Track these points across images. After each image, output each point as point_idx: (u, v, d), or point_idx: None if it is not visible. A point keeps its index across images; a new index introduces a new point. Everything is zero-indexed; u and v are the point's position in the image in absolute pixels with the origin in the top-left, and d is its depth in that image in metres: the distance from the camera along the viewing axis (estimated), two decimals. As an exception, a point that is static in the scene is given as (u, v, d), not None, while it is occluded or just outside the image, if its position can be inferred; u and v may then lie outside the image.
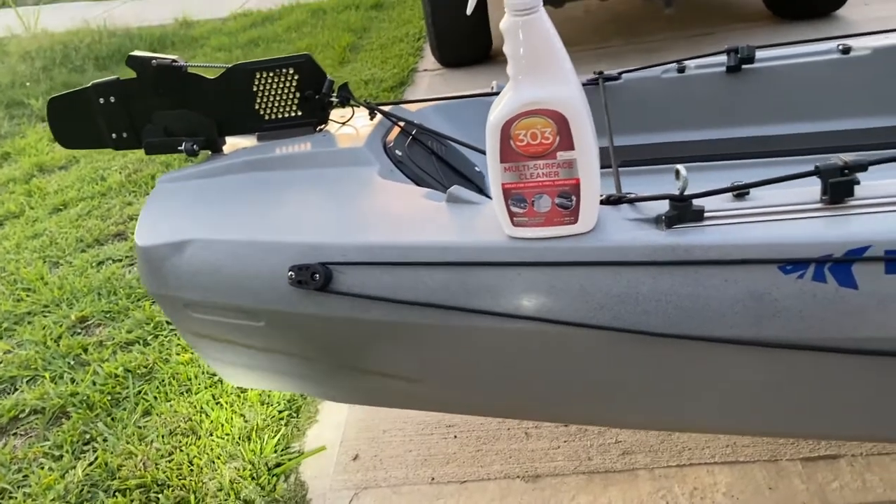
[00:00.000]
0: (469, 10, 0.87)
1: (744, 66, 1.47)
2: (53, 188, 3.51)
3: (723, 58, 1.49)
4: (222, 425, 1.73)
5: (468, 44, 4.24)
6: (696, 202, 0.90)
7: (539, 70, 0.85)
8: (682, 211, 0.90)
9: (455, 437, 1.64)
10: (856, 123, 1.47)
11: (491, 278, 0.95)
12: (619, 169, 1.28)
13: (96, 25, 6.67)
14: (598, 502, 1.43)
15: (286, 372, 1.17)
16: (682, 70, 1.51)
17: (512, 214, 0.93)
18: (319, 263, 1.02)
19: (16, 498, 1.64)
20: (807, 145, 1.44)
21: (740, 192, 0.93)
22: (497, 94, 1.50)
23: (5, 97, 5.34)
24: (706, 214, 0.90)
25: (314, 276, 1.01)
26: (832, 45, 1.47)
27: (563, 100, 0.85)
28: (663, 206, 0.92)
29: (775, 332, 0.86)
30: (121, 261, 2.66)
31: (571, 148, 0.87)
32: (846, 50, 1.45)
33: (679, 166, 0.88)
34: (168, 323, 2.20)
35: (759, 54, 1.46)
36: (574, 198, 0.90)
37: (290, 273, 1.02)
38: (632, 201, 0.96)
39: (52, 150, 4.15)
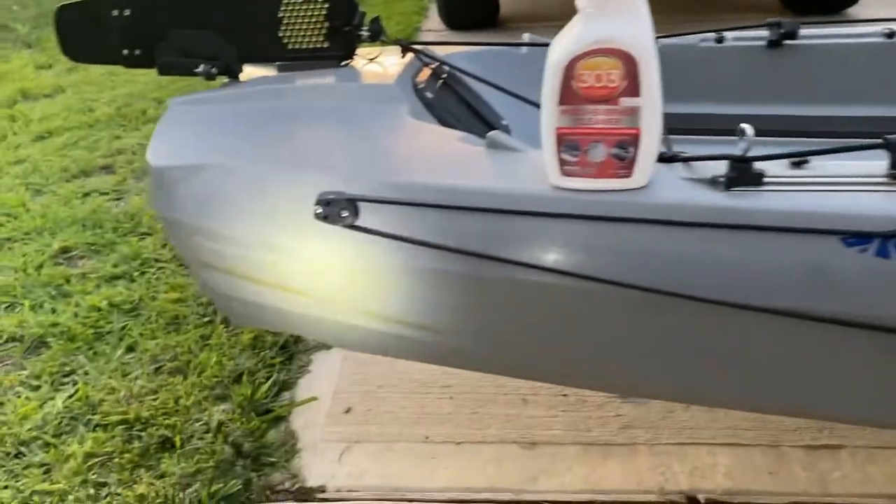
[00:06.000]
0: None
1: (785, 42, 1.42)
2: (38, 116, 3.38)
3: (763, 32, 1.44)
4: (211, 367, 1.67)
5: (477, 7, 4.16)
6: (756, 165, 0.86)
7: (613, 5, 0.79)
8: (743, 173, 0.85)
9: (451, 398, 1.60)
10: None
11: (531, 229, 0.90)
12: None
13: (89, -46, 6.42)
14: (596, 474, 1.40)
15: (296, 312, 1.11)
16: (720, 40, 1.46)
17: (562, 162, 0.88)
18: (347, 199, 0.96)
19: (-10, 425, 1.57)
20: (846, 128, 1.40)
21: (800, 160, 0.88)
22: (527, 44, 1.44)
23: (-10, 19, 5.15)
24: (766, 179, 0.86)
25: (341, 212, 0.95)
26: (877, 28, 1.42)
27: (636, 40, 0.80)
28: (719, 169, 0.88)
29: (830, 306, 0.82)
30: (108, 194, 2.57)
31: (637, 94, 0.82)
32: (891, 34, 1.41)
33: (744, 125, 0.84)
34: (157, 260, 2.12)
35: (802, 31, 1.42)
36: (632, 149, 0.85)
37: (315, 207, 0.96)
38: (686, 160, 0.91)
39: (37, 77, 4.01)
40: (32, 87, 3.79)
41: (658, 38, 1.48)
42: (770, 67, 1.43)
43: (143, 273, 2.07)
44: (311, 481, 1.42)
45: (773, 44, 1.42)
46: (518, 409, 1.56)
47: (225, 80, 1.30)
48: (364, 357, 1.72)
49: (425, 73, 1.28)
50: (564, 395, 1.59)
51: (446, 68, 1.32)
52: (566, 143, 0.86)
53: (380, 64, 1.28)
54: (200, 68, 1.25)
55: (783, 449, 1.43)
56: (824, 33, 1.43)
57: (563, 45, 0.82)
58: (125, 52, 1.30)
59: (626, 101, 0.83)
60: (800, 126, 1.41)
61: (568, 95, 0.84)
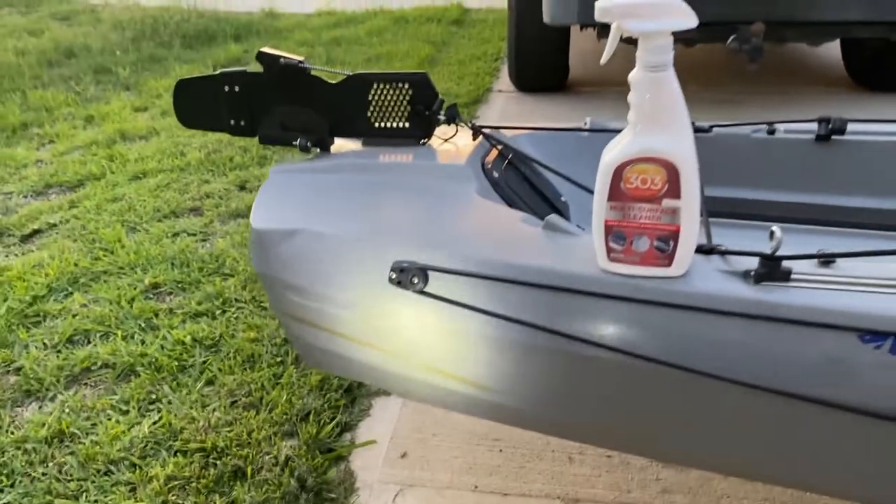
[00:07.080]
0: (603, 61, 0.94)
1: (833, 137, 1.52)
2: (134, 156, 3.67)
3: (813, 125, 1.54)
4: (282, 404, 1.82)
5: (547, 72, 4.33)
6: (784, 263, 0.96)
7: (659, 122, 0.92)
8: (772, 269, 0.96)
9: (500, 450, 1.71)
10: None
11: (581, 306, 1.02)
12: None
13: (186, 5, 6.91)
14: (634, 534, 1.48)
15: (367, 363, 1.25)
16: (771, 132, 1.57)
17: (609, 250, 1.00)
18: (418, 267, 1.10)
19: (84, 443, 1.74)
20: (886, 221, 1.48)
21: (827, 259, 0.98)
22: (588, 129, 1.57)
23: (94, 62, 5.58)
24: (793, 276, 0.96)
25: (413, 279, 1.09)
26: (923, 127, 1.51)
27: (677, 152, 0.92)
28: (752, 262, 0.98)
29: (847, 396, 0.91)
30: (195, 235, 2.78)
31: (677, 197, 0.94)
32: (935, 134, 1.50)
33: (774, 227, 0.94)
34: (237, 300, 2.31)
35: (850, 127, 1.51)
36: (672, 243, 0.97)
37: (390, 273, 1.10)
38: (723, 254, 1.02)
39: (133, 119, 4.33)
40: (130, 128, 4.10)
41: (713, 126, 1.61)
42: (816, 160, 1.53)
43: (223, 311, 2.26)
44: (367, 519, 1.55)
45: (822, 138, 1.52)
46: (563, 466, 1.66)
47: (317, 150, 1.47)
48: (420, 406, 1.84)
49: (493, 154, 1.42)
50: (609, 456, 1.68)
51: (513, 150, 1.46)
52: (614, 233, 0.99)
53: (454, 144, 1.43)
54: (298, 141, 1.42)
55: (818, 524, 1.49)
56: (872, 129, 1.52)
57: (614, 151, 0.95)
58: (232, 121, 1.49)
59: (667, 203, 0.95)
60: (839, 216, 1.50)
61: (616, 194, 0.96)
